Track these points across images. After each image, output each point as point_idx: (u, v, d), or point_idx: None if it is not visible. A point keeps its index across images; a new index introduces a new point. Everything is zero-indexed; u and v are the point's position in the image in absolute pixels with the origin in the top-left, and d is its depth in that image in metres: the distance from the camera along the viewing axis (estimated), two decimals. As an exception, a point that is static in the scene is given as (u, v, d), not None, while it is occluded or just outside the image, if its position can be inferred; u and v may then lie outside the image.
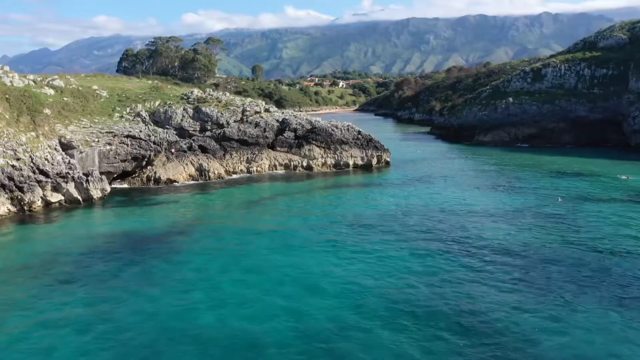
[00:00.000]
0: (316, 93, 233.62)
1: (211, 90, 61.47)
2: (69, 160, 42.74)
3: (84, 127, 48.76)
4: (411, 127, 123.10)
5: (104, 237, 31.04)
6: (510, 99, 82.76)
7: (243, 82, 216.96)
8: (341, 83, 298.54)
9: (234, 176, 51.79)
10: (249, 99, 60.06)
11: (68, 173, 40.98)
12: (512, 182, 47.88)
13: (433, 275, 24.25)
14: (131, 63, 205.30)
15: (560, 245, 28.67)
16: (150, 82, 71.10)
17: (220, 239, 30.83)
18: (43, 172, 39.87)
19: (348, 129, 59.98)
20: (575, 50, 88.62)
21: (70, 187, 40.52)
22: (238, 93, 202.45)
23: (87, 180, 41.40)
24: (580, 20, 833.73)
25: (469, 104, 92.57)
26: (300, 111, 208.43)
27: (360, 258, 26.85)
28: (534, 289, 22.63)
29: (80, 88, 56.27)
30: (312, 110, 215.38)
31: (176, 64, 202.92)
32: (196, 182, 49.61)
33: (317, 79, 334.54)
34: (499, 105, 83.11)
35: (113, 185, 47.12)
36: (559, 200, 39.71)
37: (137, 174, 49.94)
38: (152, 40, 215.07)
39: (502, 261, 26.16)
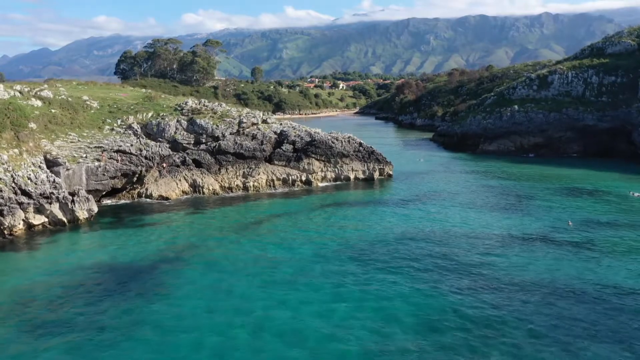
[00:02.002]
0: (316, 95, 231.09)
1: (206, 101, 59.04)
2: (54, 179, 40.40)
3: (71, 142, 46.40)
4: (413, 133, 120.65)
5: (85, 270, 28.66)
6: (516, 107, 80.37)
7: (242, 85, 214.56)
8: (341, 84, 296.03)
9: (230, 193, 49.27)
10: (245, 110, 57.72)
11: (52, 193, 38.65)
12: (520, 201, 45.49)
13: (443, 318, 21.93)
14: (129, 65, 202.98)
15: (578, 282, 26.33)
16: (143, 90, 68.71)
17: (211, 272, 28.47)
18: (25, 193, 37.56)
19: (349, 141, 57.65)
20: (583, 56, 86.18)
21: (55, 209, 38.19)
22: (237, 96, 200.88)
23: (72, 201, 39.04)
24: (580, 21, 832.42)
25: (472, 111, 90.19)
26: (300, 114, 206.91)
27: (362, 298, 24.51)
28: (557, 342, 20.32)
29: (69, 99, 53.96)
30: (312, 113, 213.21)
31: (175, 66, 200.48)
32: (190, 199, 47.18)
33: (317, 80, 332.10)
34: (504, 113, 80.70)
35: (102, 203, 44.84)
36: (570, 224, 37.36)
37: (127, 190, 47.64)
38: (151, 42, 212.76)
39: (520, 301, 23.80)
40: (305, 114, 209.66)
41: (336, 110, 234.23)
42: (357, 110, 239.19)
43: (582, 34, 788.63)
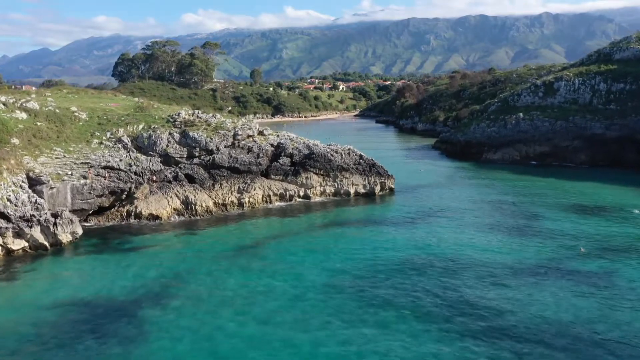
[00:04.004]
0: (316, 98, 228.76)
1: (200, 111, 56.68)
2: (36, 200, 38.01)
3: (56, 158, 44.07)
4: (414, 138, 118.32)
5: (61, 308, 26.28)
6: (521, 115, 78.02)
7: (241, 88, 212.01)
8: (341, 85, 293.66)
9: (224, 211, 46.73)
10: (241, 122, 55.34)
11: (33, 216, 36.28)
12: (528, 220, 42.96)
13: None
14: (127, 67, 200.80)
15: (602, 327, 23.96)
16: (136, 99, 66.37)
17: (200, 310, 26.13)
18: (4, 216, 35.21)
19: (349, 154, 55.27)
20: (589, 62, 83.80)
21: (35, 232, 35.81)
22: (236, 98, 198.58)
23: (55, 224, 36.66)
24: (580, 21, 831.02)
25: (476, 118, 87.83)
26: (299, 117, 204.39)
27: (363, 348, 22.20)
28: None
29: (57, 110, 51.70)
30: (311, 116, 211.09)
31: (173, 68, 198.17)
32: (182, 218, 44.66)
33: (317, 80, 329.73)
34: (508, 121, 78.36)
35: (89, 222, 42.49)
36: (582, 250, 35.02)
37: (116, 208, 45.17)
38: (149, 44, 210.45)
39: (539, 354, 21.49)
40: (304, 117, 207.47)
41: (336, 113, 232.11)
42: (357, 112, 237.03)
43: (583, 34, 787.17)
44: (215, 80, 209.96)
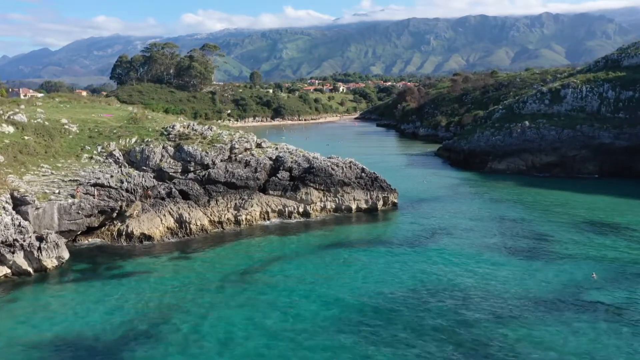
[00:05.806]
0: (316, 100, 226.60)
1: (195, 123, 54.54)
2: (20, 222, 35.87)
3: (43, 175, 41.97)
4: (416, 144, 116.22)
5: (38, 348, 24.19)
6: (527, 123, 75.87)
7: (240, 90, 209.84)
8: (341, 87, 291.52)
9: (220, 228, 44.62)
10: (238, 134, 53.14)
11: (16, 240, 34.24)
12: (538, 241, 40.68)
13: None
14: (125, 70, 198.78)
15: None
16: (130, 108, 64.29)
17: (194, 351, 24.04)
18: (-15, 242, 33.15)
19: (350, 167, 53.14)
20: (597, 69, 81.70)
21: (18, 258, 33.76)
22: (235, 101, 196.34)
23: (39, 248, 34.58)
24: (580, 21, 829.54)
25: (480, 125, 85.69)
26: (299, 120, 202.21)
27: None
28: None
29: (46, 122, 49.60)
30: (311, 119, 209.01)
31: (171, 71, 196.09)
32: (175, 237, 42.49)
33: (317, 82, 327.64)
34: (514, 129, 76.20)
35: (77, 242, 40.37)
36: (594, 276, 32.98)
37: (106, 226, 43.00)
38: (148, 46, 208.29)
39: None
40: (304, 120, 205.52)
41: (336, 115, 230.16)
42: (357, 115, 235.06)
43: (583, 34, 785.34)
44: (214, 82, 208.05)
